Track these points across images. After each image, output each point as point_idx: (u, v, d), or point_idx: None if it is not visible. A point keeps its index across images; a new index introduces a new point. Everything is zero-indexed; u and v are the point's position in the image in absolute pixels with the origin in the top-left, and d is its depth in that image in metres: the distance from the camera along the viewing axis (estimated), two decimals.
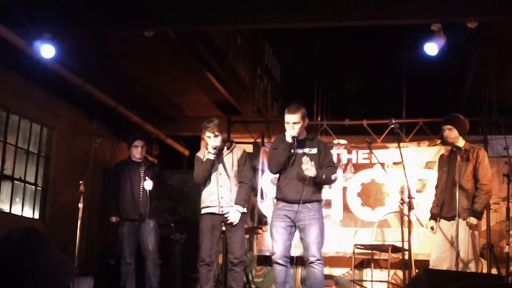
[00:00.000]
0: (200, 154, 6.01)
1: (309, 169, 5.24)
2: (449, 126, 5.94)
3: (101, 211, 9.94)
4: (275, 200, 5.61)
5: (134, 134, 7.31)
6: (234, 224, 5.79)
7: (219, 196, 5.77)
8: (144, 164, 6.87)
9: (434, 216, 6.06)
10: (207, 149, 5.86)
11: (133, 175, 6.79)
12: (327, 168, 5.43)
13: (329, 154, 5.59)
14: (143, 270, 6.86)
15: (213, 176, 5.84)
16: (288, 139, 5.36)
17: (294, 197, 5.38)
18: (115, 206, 6.79)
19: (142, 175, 6.78)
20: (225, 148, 5.94)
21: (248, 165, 6.03)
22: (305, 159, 5.26)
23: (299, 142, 5.43)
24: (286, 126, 5.42)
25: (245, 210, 5.90)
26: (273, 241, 5.44)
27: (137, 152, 6.84)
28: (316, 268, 5.30)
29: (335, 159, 7.21)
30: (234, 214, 5.77)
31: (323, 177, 5.38)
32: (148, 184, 6.66)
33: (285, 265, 5.38)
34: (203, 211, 5.91)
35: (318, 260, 5.30)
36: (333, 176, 5.49)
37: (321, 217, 5.45)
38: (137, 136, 7.07)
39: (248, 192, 6.00)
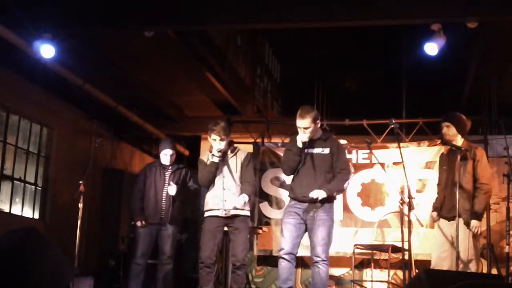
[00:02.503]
0: (203, 157, 5.99)
1: (314, 194, 5.27)
2: (447, 123, 5.93)
3: (102, 211, 9.96)
4: (289, 198, 5.62)
5: (165, 141, 7.06)
6: (237, 206, 5.72)
7: (223, 199, 5.76)
8: (171, 168, 6.76)
9: (435, 209, 6.08)
10: (211, 152, 5.85)
11: (158, 178, 6.70)
12: (337, 179, 5.42)
13: (342, 157, 5.53)
14: (148, 273, 6.85)
15: (217, 179, 5.83)
16: (299, 144, 5.37)
17: (304, 198, 5.39)
18: (141, 209, 6.70)
19: (167, 180, 6.68)
20: (229, 151, 5.93)
21: (251, 166, 6.02)
22: (313, 193, 5.27)
23: (311, 142, 5.42)
24: (298, 130, 5.41)
25: (248, 213, 5.90)
26: (282, 237, 5.44)
27: (165, 160, 6.73)
28: (320, 268, 5.30)
29: None
30: (240, 199, 5.73)
31: (335, 194, 5.44)
32: (172, 189, 6.58)
33: (290, 261, 5.38)
34: (206, 214, 5.89)
35: (323, 260, 5.30)
36: (345, 185, 5.52)
37: (331, 219, 5.41)
38: (167, 144, 6.86)
39: (252, 190, 5.97)
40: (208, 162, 5.83)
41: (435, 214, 6.06)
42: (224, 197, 5.76)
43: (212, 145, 5.84)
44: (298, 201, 5.46)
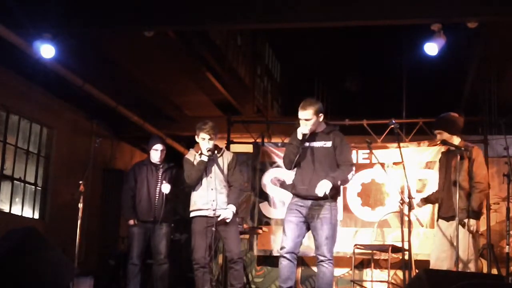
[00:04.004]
0: (189, 156, 6.03)
1: (319, 190, 5.16)
2: (438, 131, 5.92)
3: (102, 211, 9.96)
4: (291, 194, 5.53)
5: (154, 137, 7.14)
6: (227, 220, 5.82)
7: (211, 199, 5.80)
8: (162, 166, 6.79)
9: (427, 200, 6.18)
10: (197, 152, 5.89)
11: (150, 177, 6.72)
12: (341, 169, 5.34)
13: (345, 150, 5.43)
14: (147, 273, 6.85)
15: (205, 180, 5.88)
16: (299, 136, 5.28)
17: (306, 193, 5.31)
18: (133, 208, 6.72)
19: (159, 178, 6.71)
20: (216, 152, 5.95)
21: (238, 169, 6.10)
22: (319, 187, 5.16)
23: (313, 136, 5.33)
24: (300, 122, 5.32)
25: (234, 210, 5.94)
26: (284, 235, 5.37)
27: (156, 155, 6.77)
28: (326, 268, 5.24)
29: None
30: (228, 212, 5.82)
31: (339, 183, 5.32)
32: (165, 187, 6.61)
33: (291, 261, 5.30)
34: (194, 213, 5.93)
35: (328, 260, 5.23)
36: (349, 176, 5.43)
37: (334, 216, 5.32)
38: (157, 140, 6.96)
39: (239, 195, 6.06)
40: (197, 161, 5.85)
41: (420, 202, 6.11)
42: (212, 197, 5.80)
43: (200, 145, 5.87)
44: (300, 198, 5.36)
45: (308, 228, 5.40)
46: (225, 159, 5.98)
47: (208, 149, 5.80)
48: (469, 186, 5.76)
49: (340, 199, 7.82)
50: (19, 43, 6.81)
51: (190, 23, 6.71)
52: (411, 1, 6.11)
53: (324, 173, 5.30)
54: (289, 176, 5.69)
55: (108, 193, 10.15)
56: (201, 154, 5.86)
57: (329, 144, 5.37)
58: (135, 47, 7.87)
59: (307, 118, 5.28)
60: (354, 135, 8.43)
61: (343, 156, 5.40)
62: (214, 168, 5.90)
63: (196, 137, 5.93)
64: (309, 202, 5.32)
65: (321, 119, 5.37)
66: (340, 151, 5.38)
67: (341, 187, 5.63)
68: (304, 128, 5.27)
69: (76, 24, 6.67)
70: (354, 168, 5.60)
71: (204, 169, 5.84)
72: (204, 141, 5.83)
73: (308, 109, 5.28)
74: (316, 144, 5.37)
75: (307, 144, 5.35)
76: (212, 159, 5.89)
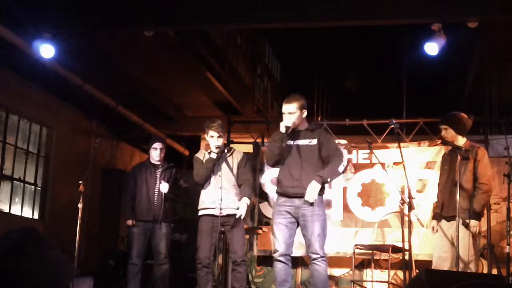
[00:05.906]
0: (199, 155, 6.02)
1: (310, 196, 5.10)
2: (444, 126, 5.87)
3: (101, 211, 9.96)
4: (276, 194, 5.46)
5: (155, 136, 7.22)
6: (242, 217, 5.79)
7: (219, 198, 5.78)
8: (161, 166, 6.80)
9: (435, 216, 6.02)
10: (206, 151, 5.88)
11: (149, 177, 6.72)
12: (331, 162, 5.22)
13: (331, 143, 5.35)
14: (148, 273, 6.85)
15: (213, 178, 5.86)
16: (282, 129, 5.19)
17: (293, 191, 5.24)
18: (132, 209, 6.72)
19: (158, 178, 6.72)
20: (225, 150, 5.95)
21: (248, 167, 6.06)
22: (308, 193, 5.10)
23: (297, 133, 5.29)
24: (283, 116, 5.27)
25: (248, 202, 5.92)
26: (275, 238, 5.31)
27: (155, 154, 6.77)
28: (320, 266, 5.15)
29: None
30: (243, 207, 5.79)
31: (328, 180, 5.23)
32: (163, 187, 6.61)
33: (286, 263, 5.25)
34: (202, 212, 5.92)
35: (321, 257, 5.15)
36: (340, 168, 5.23)
37: (323, 213, 5.26)
38: (157, 138, 7.02)
39: (251, 190, 6.01)
40: (207, 159, 5.85)
41: (435, 223, 5.97)
42: (220, 196, 5.78)
43: (209, 142, 5.87)
44: (287, 197, 5.27)
45: (297, 228, 5.33)
46: (234, 158, 5.97)
47: (217, 146, 5.81)
48: (473, 187, 5.74)
49: (340, 199, 7.90)
50: (19, 43, 6.81)
51: (190, 23, 6.71)
52: (411, 1, 6.10)
53: (312, 170, 5.21)
54: (273, 168, 5.59)
55: (108, 193, 10.15)
56: (210, 152, 5.86)
57: (314, 141, 5.30)
58: (135, 47, 7.87)
59: (291, 112, 5.22)
60: (354, 135, 8.45)
61: (331, 148, 5.29)
62: (223, 167, 5.88)
63: (205, 135, 5.95)
64: (296, 201, 5.24)
65: (304, 115, 5.31)
66: (327, 146, 5.28)
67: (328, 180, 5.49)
68: (287, 121, 5.20)
69: (76, 24, 6.67)
70: (344, 158, 5.43)
71: (213, 167, 5.84)
72: (213, 138, 5.84)
73: (292, 103, 5.23)
74: (301, 142, 5.31)
75: (292, 142, 5.29)
76: (222, 158, 5.89)
